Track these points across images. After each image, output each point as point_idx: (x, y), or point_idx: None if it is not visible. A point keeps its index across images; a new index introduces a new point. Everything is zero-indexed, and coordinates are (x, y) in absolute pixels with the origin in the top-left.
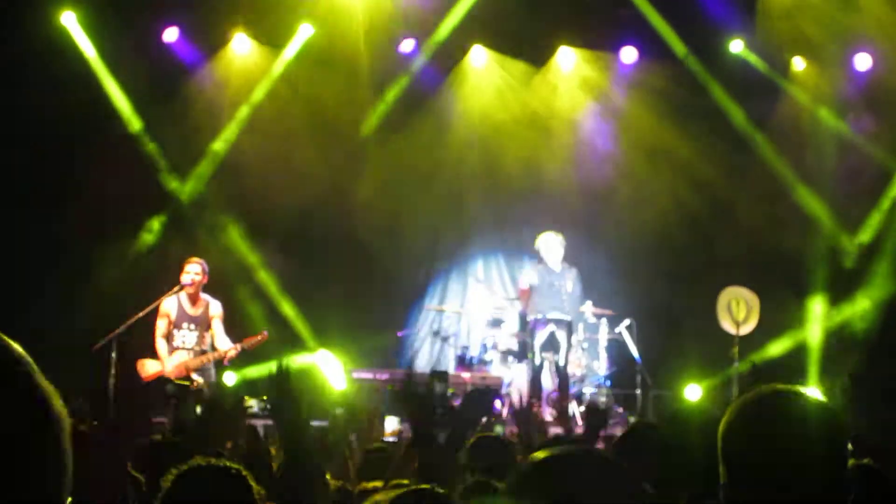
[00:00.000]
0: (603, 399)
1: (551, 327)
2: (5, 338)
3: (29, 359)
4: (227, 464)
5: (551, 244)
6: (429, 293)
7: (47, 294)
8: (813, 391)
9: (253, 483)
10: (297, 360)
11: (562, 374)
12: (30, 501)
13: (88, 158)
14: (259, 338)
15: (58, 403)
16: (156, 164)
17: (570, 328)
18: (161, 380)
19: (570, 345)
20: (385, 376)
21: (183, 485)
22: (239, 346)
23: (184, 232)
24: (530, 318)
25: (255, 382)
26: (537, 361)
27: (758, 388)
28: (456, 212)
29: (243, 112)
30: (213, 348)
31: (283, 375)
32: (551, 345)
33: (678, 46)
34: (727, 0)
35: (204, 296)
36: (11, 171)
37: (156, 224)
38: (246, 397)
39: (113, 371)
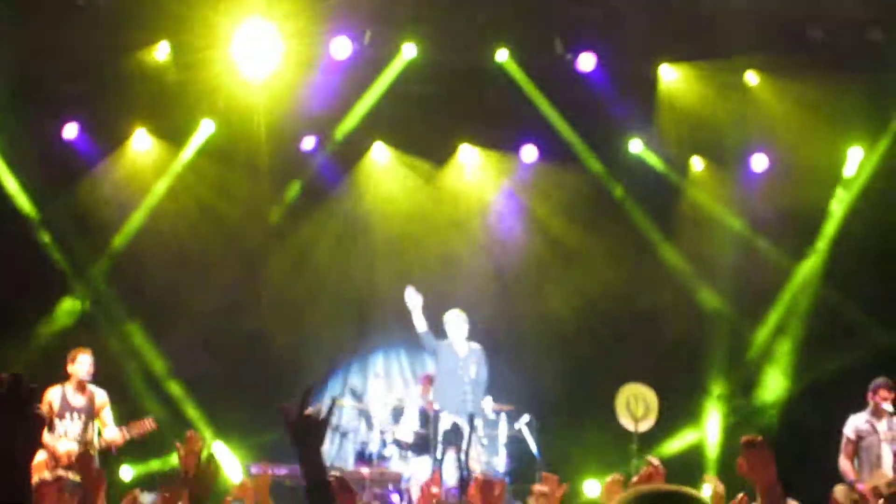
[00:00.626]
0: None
1: (453, 418)
2: None
3: None
4: None
5: (454, 322)
6: (329, 387)
7: None
8: (706, 490)
9: None
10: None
11: (462, 469)
12: None
13: None
14: (145, 424)
15: None
16: (54, 260)
17: (472, 419)
18: (52, 478)
19: (472, 437)
20: (283, 471)
21: None
22: (125, 432)
23: (83, 325)
24: (433, 408)
25: (152, 476)
26: (439, 454)
27: (643, 488)
28: (357, 306)
29: (143, 209)
30: (100, 438)
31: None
32: (454, 436)
33: (579, 147)
34: (626, 100)
35: (90, 386)
36: None
37: (55, 318)
38: (139, 492)
39: None
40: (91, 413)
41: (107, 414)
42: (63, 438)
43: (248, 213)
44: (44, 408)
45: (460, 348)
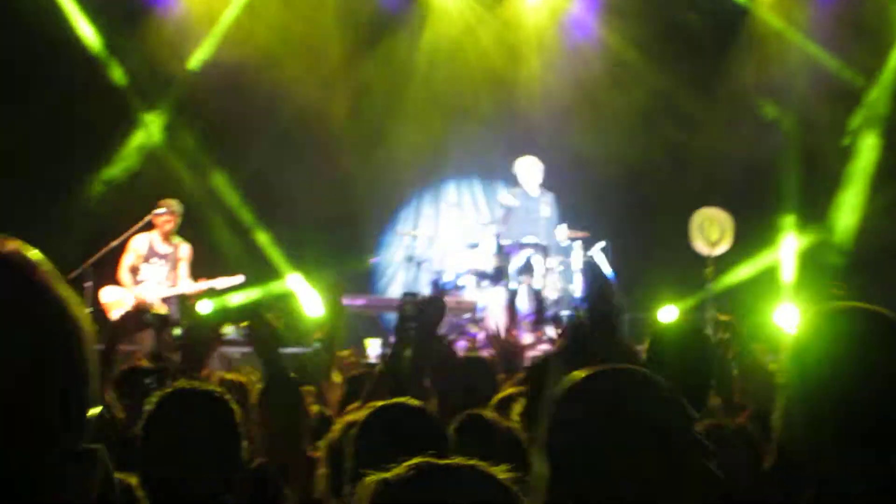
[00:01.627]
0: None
1: (527, 252)
2: (23, 245)
3: (49, 265)
4: (210, 387)
5: (529, 168)
6: (402, 218)
7: (20, 217)
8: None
9: (235, 406)
10: (271, 288)
11: (538, 297)
12: (51, 416)
13: (54, 85)
14: (233, 279)
15: (79, 310)
16: (123, 91)
17: (545, 252)
18: (134, 310)
19: (545, 269)
20: (361, 302)
21: (167, 408)
22: (210, 283)
23: (157, 160)
24: (505, 243)
25: (231, 310)
26: (513, 286)
27: (829, 304)
28: (429, 136)
29: (211, 37)
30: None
31: (256, 306)
32: (527, 269)
33: None
34: None
35: (177, 238)
36: None
37: (129, 151)
38: (223, 325)
39: (90, 299)
40: (174, 262)
41: (183, 266)
42: (145, 282)
43: (315, 42)
44: (129, 254)
45: (532, 190)
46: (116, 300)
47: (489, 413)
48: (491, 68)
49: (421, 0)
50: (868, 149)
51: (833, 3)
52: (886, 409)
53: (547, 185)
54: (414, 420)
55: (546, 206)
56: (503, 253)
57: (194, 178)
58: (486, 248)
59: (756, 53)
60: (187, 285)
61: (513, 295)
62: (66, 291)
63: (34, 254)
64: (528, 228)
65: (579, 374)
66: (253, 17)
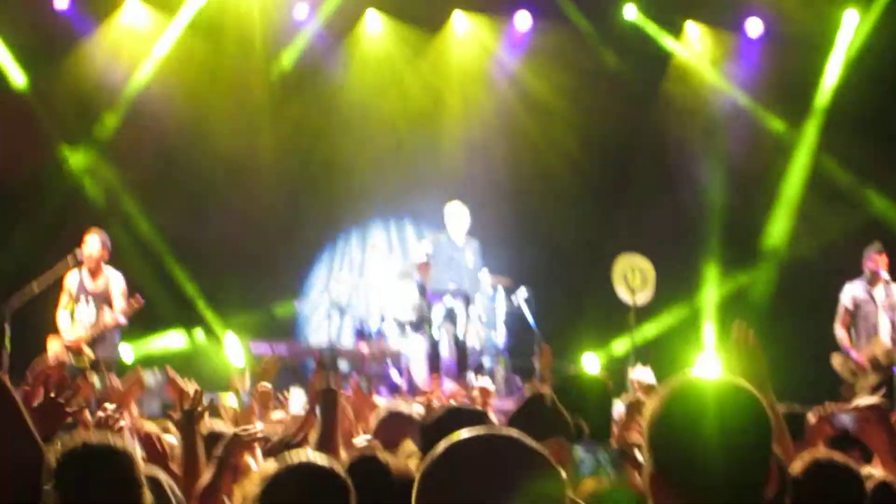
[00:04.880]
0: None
1: (449, 300)
2: None
3: None
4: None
5: (455, 215)
6: (325, 261)
7: None
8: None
9: (138, 461)
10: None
11: (460, 346)
12: None
13: None
14: (134, 304)
15: None
16: (49, 130)
17: (468, 300)
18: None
19: (468, 317)
20: (283, 349)
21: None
22: (119, 318)
23: (80, 201)
24: (428, 290)
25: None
26: (435, 335)
27: (681, 378)
28: (354, 178)
29: (136, 80)
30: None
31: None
32: (450, 318)
33: (572, 12)
34: None
35: (106, 269)
36: None
37: (51, 192)
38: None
39: (8, 344)
40: (106, 297)
41: (118, 298)
42: (78, 323)
43: (242, 84)
44: (64, 293)
45: (458, 239)
46: (58, 352)
47: (383, 455)
48: (416, 110)
49: (349, 39)
50: (789, 197)
51: (756, 49)
52: (745, 485)
53: (472, 232)
54: (319, 477)
55: (471, 255)
56: (425, 301)
57: (118, 218)
58: (409, 295)
59: (681, 100)
60: (106, 317)
61: (434, 344)
62: None
63: None
64: (452, 276)
65: (455, 435)
66: (178, 56)
